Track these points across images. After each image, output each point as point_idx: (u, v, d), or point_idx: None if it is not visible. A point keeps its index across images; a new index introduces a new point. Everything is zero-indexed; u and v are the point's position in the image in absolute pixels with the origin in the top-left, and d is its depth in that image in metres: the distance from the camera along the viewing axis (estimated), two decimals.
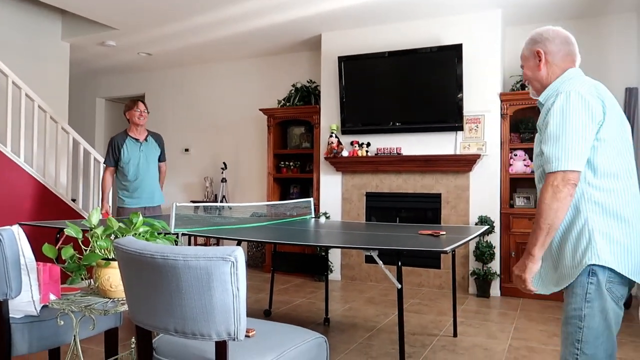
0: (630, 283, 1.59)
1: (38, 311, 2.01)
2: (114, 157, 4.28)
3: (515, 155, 4.86)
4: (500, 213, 4.81)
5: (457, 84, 4.86)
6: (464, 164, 4.87)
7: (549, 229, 1.56)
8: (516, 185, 5.05)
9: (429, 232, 3.03)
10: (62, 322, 1.93)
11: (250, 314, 1.85)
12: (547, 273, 1.72)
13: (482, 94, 4.90)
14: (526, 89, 1.87)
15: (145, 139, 4.41)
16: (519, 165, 4.84)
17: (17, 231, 1.99)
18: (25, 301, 1.99)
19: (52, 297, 2.01)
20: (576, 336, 1.57)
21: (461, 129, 4.92)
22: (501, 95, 4.84)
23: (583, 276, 1.57)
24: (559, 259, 1.65)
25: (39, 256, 2.01)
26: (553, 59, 1.72)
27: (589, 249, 1.55)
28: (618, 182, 1.58)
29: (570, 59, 1.73)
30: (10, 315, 1.96)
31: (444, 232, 2.99)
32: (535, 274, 1.63)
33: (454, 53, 4.86)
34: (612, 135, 1.57)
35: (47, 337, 2.04)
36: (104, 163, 4.48)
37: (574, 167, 1.52)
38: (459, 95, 4.86)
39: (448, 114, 4.94)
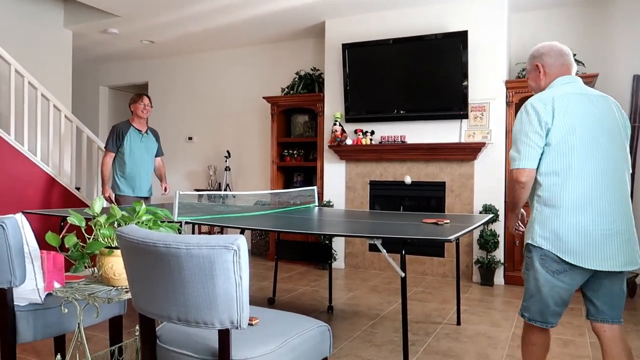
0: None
1: (42, 299, 2.02)
2: (116, 143, 4.46)
3: None
4: (505, 201, 4.79)
5: (462, 72, 4.81)
6: (468, 152, 4.84)
7: (513, 206, 2.10)
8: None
9: (433, 220, 3.01)
10: (67, 310, 1.93)
11: (254, 302, 1.85)
12: None
13: (487, 81, 4.85)
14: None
15: (146, 132, 4.61)
16: None
17: (21, 219, 1.99)
18: (30, 289, 2.00)
19: (56, 285, 2.01)
20: (524, 291, 2.08)
21: (466, 116, 4.88)
22: (507, 82, 4.79)
23: (525, 250, 2.05)
24: None
25: (43, 244, 2.01)
26: (550, 70, 2.07)
27: (529, 231, 2.01)
28: (557, 178, 1.91)
29: (565, 68, 2.07)
30: (15, 303, 1.97)
31: (448, 221, 2.98)
32: (513, 225, 2.21)
33: (459, 40, 4.80)
34: (557, 139, 1.89)
35: (52, 324, 2.05)
36: (105, 147, 4.60)
37: (524, 165, 1.93)
38: (464, 83, 4.82)
39: (453, 102, 4.89)
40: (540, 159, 1.93)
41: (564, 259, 1.89)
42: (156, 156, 4.72)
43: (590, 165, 1.89)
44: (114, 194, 4.51)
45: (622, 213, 1.91)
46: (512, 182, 1.99)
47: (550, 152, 1.91)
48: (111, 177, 4.59)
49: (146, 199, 4.61)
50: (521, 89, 4.73)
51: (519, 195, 2.00)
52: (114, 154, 4.49)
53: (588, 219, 1.87)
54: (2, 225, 1.89)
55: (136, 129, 4.52)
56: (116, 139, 4.45)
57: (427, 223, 2.96)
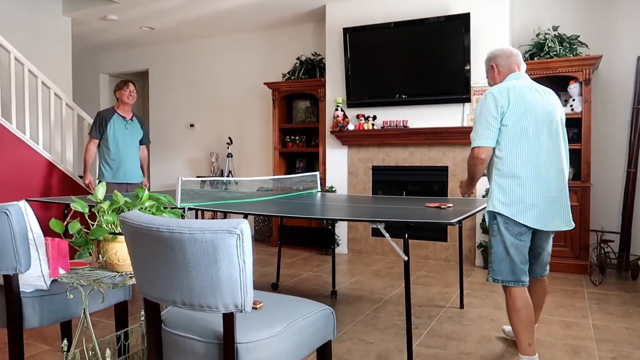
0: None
1: (48, 285, 2.03)
2: (100, 130, 4.49)
3: None
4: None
5: (465, 55, 4.77)
6: None
7: (471, 179, 2.53)
8: None
9: (436, 204, 3.01)
10: (72, 296, 1.95)
11: (258, 287, 1.86)
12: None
13: None
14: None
15: (131, 119, 4.62)
16: None
17: (24, 206, 2.00)
18: (35, 275, 2.01)
19: (61, 271, 2.03)
20: (490, 258, 2.42)
21: (468, 100, 4.85)
22: None
23: (490, 219, 2.39)
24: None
25: (47, 232, 2.02)
26: (503, 69, 2.51)
27: (491, 201, 2.36)
28: (513, 154, 2.30)
29: (515, 67, 2.50)
30: (21, 290, 1.99)
31: (451, 205, 2.97)
32: (468, 192, 2.67)
33: (461, 23, 4.75)
34: (512, 121, 2.29)
35: (58, 310, 2.07)
36: (89, 134, 4.63)
37: (483, 144, 2.32)
38: (466, 67, 4.78)
39: (455, 86, 4.86)
40: (498, 138, 2.31)
41: (522, 222, 2.28)
42: (141, 144, 4.72)
43: (540, 144, 2.31)
44: (96, 181, 4.54)
45: (563, 184, 2.38)
46: (472, 159, 2.38)
47: (507, 132, 2.30)
48: (97, 164, 4.64)
49: (137, 184, 4.59)
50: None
51: (478, 170, 2.42)
52: (97, 141, 4.53)
53: (541, 187, 2.29)
54: (6, 213, 1.89)
55: (120, 115, 4.53)
56: (99, 125, 4.48)
57: (430, 207, 2.96)
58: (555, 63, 4.54)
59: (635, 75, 4.66)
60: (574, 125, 4.52)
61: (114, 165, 4.51)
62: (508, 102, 2.29)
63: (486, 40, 4.79)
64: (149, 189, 4.60)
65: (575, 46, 4.62)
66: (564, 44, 4.61)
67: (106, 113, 4.54)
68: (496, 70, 2.52)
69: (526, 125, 2.29)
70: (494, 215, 2.35)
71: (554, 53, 4.58)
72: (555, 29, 4.69)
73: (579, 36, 4.68)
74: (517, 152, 2.29)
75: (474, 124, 2.38)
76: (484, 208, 2.57)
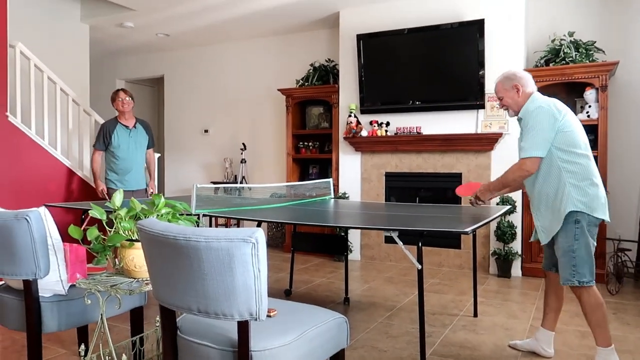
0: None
1: (66, 290, 2.07)
2: (104, 141, 4.60)
3: None
4: (523, 192, 4.73)
5: (479, 61, 4.75)
6: (485, 142, 4.80)
7: (503, 187, 2.69)
8: None
9: (468, 192, 2.96)
10: (89, 301, 1.98)
11: (271, 293, 1.87)
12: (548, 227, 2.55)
13: (504, 70, 4.76)
14: (507, 112, 2.77)
15: (134, 126, 4.69)
16: None
17: (44, 212, 2.04)
18: (54, 281, 2.04)
19: (79, 277, 2.06)
20: (571, 262, 2.43)
21: (482, 107, 4.83)
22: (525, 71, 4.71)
23: (571, 223, 2.42)
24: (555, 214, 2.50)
25: (65, 237, 2.06)
26: (526, 90, 2.64)
27: (570, 202, 2.42)
28: (583, 158, 2.46)
29: (531, 88, 2.66)
30: (40, 294, 2.02)
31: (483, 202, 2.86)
32: (485, 200, 2.81)
33: (475, 29, 4.74)
34: (572, 127, 2.46)
35: (75, 315, 2.10)
36: (93, 146, 4.75)
37: (535, 154, 2.46)
38: (480, 73, 4.76)
39: (469, 92, 4.84)
40: (563, 143, 2.44)
41: (602, 218, 2.43)
42: (147, 148, 4.81)
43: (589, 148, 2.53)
44: (106, 188, 4.64)
45: None
46: (520, 169, 2.51)
47: (572, 136, 2.44)
48: (103, 172, 4.74)
49: (140, 190, 4.71)
50: (539, 77, 4.64)
51: (520, 181, 2.60)
52: (102, 152, 4.65)
53: (600, 185, 2.47)
54: (26, 219, 1.93)
55: (123, 125, 4.63)
56: (103, 137, 4.60)
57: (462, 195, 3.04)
58: (571, 69, 4.50)
59: None
60: (590, 132, 4.44)
61: (120, 173, 4.63)
62: (561, 113, 2.46)
63: (501, 46, 4.78)
64: (155, 192, 4.75)
65: (591, 52, 4.58)
66: (580, 50, 4.57)
67: (109, 124, 4.65)
68: (521, 90, 2.63)
69: (580, 131, 2.50)
70: (576, 219, 2.41)
71: (570, 59, 4.54)
72: (571, 34, 4.65)
73: (595, 42, 4.63)
74: (585, 153, 2.46)
75: (527, 134, 2.48)
76: (499, 216, 2.60)
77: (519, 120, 2.65)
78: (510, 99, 2.67)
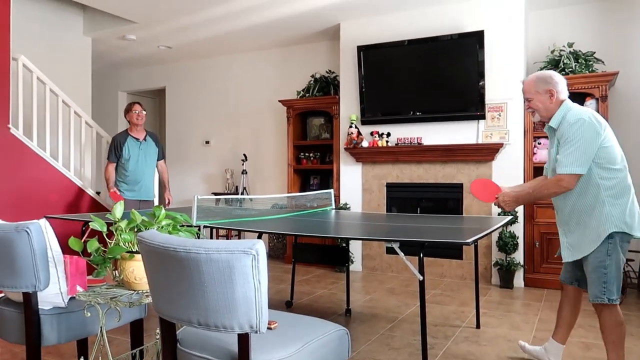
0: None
1: (66, 303, 2.06)
2: (116, 154, 4.70)
3: (539, 143, 4.76)
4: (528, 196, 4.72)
5: (479, 72, 4.77)
6: (486, 153, 4.80)
7: (534, 200, 2.74)
8: (540, 175, 4.95)
9: (489, 199, 2.70)
10: (89, 314, 1.97)
11: (272, 304, 1.86)
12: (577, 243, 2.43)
13: (504, 81, 4.80)
14: (532, 114, 2.59)
15: (145, 139, 4.79)
16: (543, 154, 4.74)
17: (44, 225, 2.03)
18: (54, 293, 2.03)
19: (79, 289, 2.05)
20: (602, 278, 2.32)
21: (483, 117, 4.84)
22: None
23: (604, 240, 2.31)
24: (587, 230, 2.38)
25: (66, 249, 2.05)
26: (560, 96, 2.46)
27: (609, 222, 2.30)
28: (621, 173, 2.35)
29: (565, 95, 2.47)
30: (40, 307, 2.01)
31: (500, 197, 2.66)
32: (512, 208, 2.67)
33: (475, 40, 4.77)
34: (611, 142, 2.36)
35: (75, 327, 2.09)
36: (107, 159, 4.83)
37: (577, 171, 2.31)
38: (480, 83, 4.78)
39: (469, 103, 4.86)
40: (604, 160, 2.32)
41: (633, 234, 2.33)
42: (158, 160, 4.90)
43: (625, 161, 2.40)
44: (118, 191, 4.71)
45: None
46: (558, 185, 2.36)
47: (611, 152, 2.34)
48: (117, 183, 4.81)
49: (150, 202, 4.81)
50: None
51: (553, 196, 2.47)
52: (114, 164, 4.74)
53: (636, 202, 2.38)
54: (27, 231, 1.93)
55: (134, 137, 4.72)
56: (115, 149, 4.70)
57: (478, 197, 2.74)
58: (571, 80, 4.51)
59: None
60: None
61: (130, 184, 4.72)
62: (602, 127, 2.33)
63: (500, 57, 4.80)
64: (172, 201, 4.81)
65: (591, 62, 4.60)
66: (579, 61, 4.58)
67: (120, 137, 4.74)
68: (555, 96, 2.45)
69: (616, 144, 2.39)
70: (611, 234, 2.31)
71: (570, 70, 4.56)
72: (570, 45, 4.67)
73: (594, 52, 4.65)
74: (622, 168, 2.37)
75: (567, 148, 2.32)
76: (501, 226, 2.55)
77: (550, 129, 2.50)
78: (540, 103, 2.48)
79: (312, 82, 6.06)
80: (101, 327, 1.96)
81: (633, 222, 2.33)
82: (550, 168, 2.51)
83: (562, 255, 2.51)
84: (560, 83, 2.47)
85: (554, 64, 4.70)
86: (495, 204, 2.70)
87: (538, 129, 4.81)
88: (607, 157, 2.32)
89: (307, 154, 6.10)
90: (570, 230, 2.45)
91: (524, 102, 2.58)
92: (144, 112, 4.78)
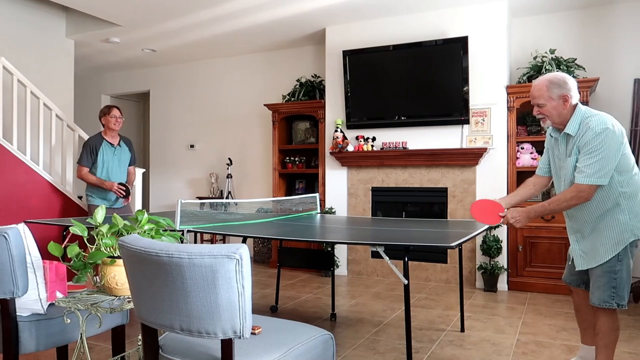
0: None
1: (45, 309, 2.02)
2: (90, 158, 4.50)
3: (522, 148, 4.81)
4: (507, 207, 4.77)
5: (463, 77, 4.82)
6: (470, 157, 4.84)
7: (548, 213, 2.41)
8: (523, 179, 4.97)
9: (491, 220, 2.52)
10: (69, 320, 1.93)
11: (257, 309, 1.85)
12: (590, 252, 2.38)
13: (488, 86, 4.85)
14: (544, 123, 2.44)
15: (119, 144, 4.63)
16: (526, 159, 4.80)
17: (23, 229, 1.99)
18: (32, 299, 1.99)
19: (59, 295, 2.01)
20: (612, 283, 2.28)
21: (467, 122, 4.88)
22: (508, 87, 4.79)
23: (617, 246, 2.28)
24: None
25: (45, 254, 2.01)
26: (573, 101, 2.36)
27: (627, 231, 2.28)
28: (632, 178, 2.31)
29: (577, 99, 2.38)
30: (17, 314, 1.97)
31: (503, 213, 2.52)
32: (523, 224, 2.46)
33: (459, 46, 4.82)
34: (628, 150, 2.32)
35: (54, 334, 2.04)
36: (78, 162, 4.61)
37: (601, 182, 2.24)
38: (464, 89, 4.82)
39: (454, 107, 4.90)
40: (619, 166, 2.27)
41: None
42: (130, 165, 4.73)
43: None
44: (87, 205, 4.51)
45: None
46: (579, 197, 2.26)
47: (626, 158, 2.29)
48: (84, 188, 4.66)
49: (122, 208, 4.61)
50: (522, 94, 4.73)
51: (572, 207, 2.34)
52: (87, 169, 4.51)
53: None
54: (4, 236, 1.89)
55: (109, 142, 4.55)
56: (89, 154, 4.49)
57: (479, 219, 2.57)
58: None
59: (632, 98, 4.70)
60: None
61: (101, 190, 4.52)
62: (623, 134, 2.30)
63: (484, 62, 4.85)
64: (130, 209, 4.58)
65: (572, 69, 4.68)
66: (561, 67, 4.66)
67: (95, 141, 4.53)
68: (569, 102, 2.34)
69: (629, 149, 2.36)
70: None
71: None
72: (552, 52, 4.74)
73: (575, 59, 4.73)
74: (637, 173, 2.34)
75: (592, 158, 2.22)
76: (484, 230, 2.53)
77: (566, 135, 2.38)
78: (553, 109, 2.35)
79: (297, 86, 6.06)
80: (81, 334, 1.92)
81: None
82: (566, 176, 2.38)
83: (575, 264, 2.43)
84: (574, 87, 2.36)
85: (536, 70, 4.76)
86: (502, 224, 2.51)
87: (521, 133, 4.87)
88: (625, 163, 2.27)
89: (292, 158, 6.09)
90: (585, 237, 2.38)
91: (534, 108, 2.40)
92: (122, 118, 4.60)
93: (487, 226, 3.17)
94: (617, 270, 2.27)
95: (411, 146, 5.13)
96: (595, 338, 2.37)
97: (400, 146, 5.15)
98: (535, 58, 4.83)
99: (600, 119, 2.28)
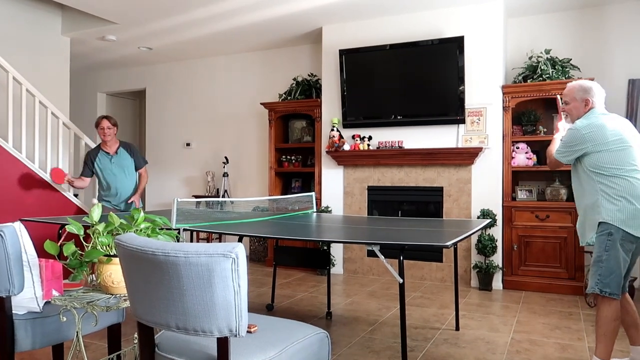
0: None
1: (41, 307, 2.02)
2: (90, 168, 4.72)
3: (517, 148, 4.84)
4: (503, 206, 4.80)
5: (459, 77, 4.83)
6: (465, 157, 4.86)
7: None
8: (518, 178, 5.04)
9: None
10: (65, 319, 1.93)
11: (253, 308, 1.86)
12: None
13: (484, 86, 4.87)
14: (565, 117, 2.85)
15: (117, 152, 4.71)
16: (521, 158, 4.82)
17: (19, 228, 1.99)
18: (28, 297, 1.99)
19: (55, 293, 2.01)
20: (598, 270, 2.51)
21: (463, 121, 4.90)
22: (503, 87, 4.81)
23: (605, 234, 2.51)
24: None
25: (41, 252, 2.01)
26: (592, 105, 2.68)
27: (609, 215, 2.50)
28: (626, 174, 2.53)
29: (599, 105, 2.69)
30: (13, 312, 1.97)
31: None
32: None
33: (455, 45, 4.83)
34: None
35: (50, 333, 2.05)
36: (81, 175, 4.81)
37: None
38: (460, 88, 4.84)
39: (450, 107, 4.92)
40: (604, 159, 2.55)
41: (634, 233, 2.46)
42: (137, 169, 4.83)
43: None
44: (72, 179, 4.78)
45: None
46: (549, 158, 2.84)
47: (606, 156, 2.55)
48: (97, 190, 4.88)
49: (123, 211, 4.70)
50: (517, 93, 4.75)
51: (551, 162, 2.84)
52: (88, 179, 4.76)
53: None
54: (0, 234, 1.89)
55: (105, 152, 4.68)
56: (85, 165, 4.73)
57: None
58: (548, 85, 4.60)
59: (627, 98, 4.73)
60: None
61: (108, 197, 4.70)
62: (602, 135, 2.60)
63: (480, 62, 4.87)
64: (137, 205, 4.69)
65: (567, 69, 4.70)
66: (556, 67, 4.68)
67: (92, 152, 4.74)
68: (590, 105, 2.68)
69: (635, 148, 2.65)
70: (609, 231, 2.50)
71: (547, 76, 4.65)
72: (547, 52, 4.77)
73: (570, 59, 4.76)
74: (632, 175, 2.56)
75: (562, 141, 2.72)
76: (480, 229, 2.61)
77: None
78: (575, 109, 2.73)
79: (294, 85, 6.06)
80: (77, 332, 1.93)
81: (628, 220, 2.47)
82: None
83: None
84: (598, 94, 2.69)
85: (531, 70, 4.79)
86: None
87: (516, 133, 4.89)
88: (608, 160, 2.53)
89: (288, 157, 6.09)
90: (579, 216, 2.73)
91: (562, 103, 2.82)
92: (112, 128, 4.62)
93: (481, 225, 3.20)
94: (603, 259, 2.50)
95: (407, 145, 5.15)
96: (595, 327, 2.55)
97: (396, 145, 5.16)
98: (530, 58, 4.85)
99: (582, 122, 2.62)
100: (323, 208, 5.50)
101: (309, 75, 6.10)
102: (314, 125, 5.84)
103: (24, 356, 2.85)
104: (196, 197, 6.74)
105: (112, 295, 1.89)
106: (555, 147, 2.83)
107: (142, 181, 4.89)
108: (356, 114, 5.38)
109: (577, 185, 2.71)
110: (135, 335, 1.80)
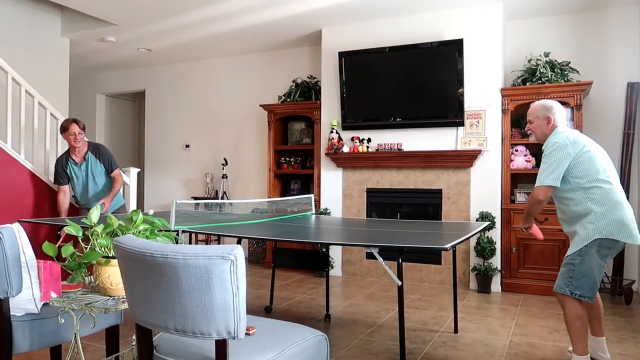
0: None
1: (39, 309, 2.02)
2: (62, 175, 4.47)
3: (517, 150, 4.84)
4: (501, 209, 4.80)
5: (458, 79, 4.84)
6: (464, 159, 4.86)
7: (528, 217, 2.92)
8: (517, 181, 5.04)
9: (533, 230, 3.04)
10: (63, 320, 1.93)
11: (251, 310, 1.86)
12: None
13: (483, 89, 4.88)
14: (529, 135, 3.01)
15: (85, 158, 4.41)
16: (520, 161, 4.83)
17: (17, 229, 1.99)
18: (26, 299, 1.99)
19: (53, 295, 2.01)
20: (569, 273, 2.62)
21: (462, 124, 4.90)
22: (502, 90, 4.82)
23: (582, 241, 2.59)
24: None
25: (40, 254, 2.01)
26: (555, 123, 2.81)
27: (587, 227, 2.60)
28: (607, 185, 2.63)
29: (560, 123, 2.82)
30: (11, 313, 1.96)
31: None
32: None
33: (454, 48, 4.84)
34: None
35: (48, 334, 2.04)
36: (55, 183, 4.60)
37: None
38: (459, 91, 4.85)
39: (449, 109, 4.92)
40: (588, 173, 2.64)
41: (619, 239, 2.54)
42: (110, 173, 4.50)
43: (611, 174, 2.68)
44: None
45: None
46: (532, 196, 2.74)
47: (584, 166, 2.64)
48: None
49: (119, 208, 4.59)
50: (517, 96, 4.76)
51: (534, 208, 2.81)
52: (65, 186, 4.52)
53: (628, 211, 2.60)
54: None
55: (73, 160, 4.42)
56: (60, 173, 4.48)
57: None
58: (547, 88, 4.61)
59: (625, 101, 4.74)
60: None
61: (81, 203, 4.57)
62: (580, 146, 2.71)
63: (479, 65, 4.88)
64: (106, 207, 4.41)
65: (566, 72, 4.71)
66: (555, 70, 4.69)
67: (61, 159, 4.47)
68: (551, 123, 2.81)
69: (601, 159, 2.77)
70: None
71: (546, 79, 4.66)
72: (546, 55, 4.78)
73: (569, 62, 4.77)
74: (609, 185, 2.67)
75: (542, 164, 2.72)
76: (478, 232, 2.64)
77: (543, 150, 2.80)
78: (538, 127, 2.85)
79: (293, 87, 6.06)
80: (75, 334, 1.93)
81: (613, 227, 2.54)
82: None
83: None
84: (559, 112, 2.81)
85: (530, 72, 4.80)
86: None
87: (515, 136, 4.90)
88: (583, 171, 2.62)
89: (287, 159, 6.09)
90: (566, 229, 2.82)
91: (527, 124, 2.92)
92: (82, 133, 4.29)
93: (480, 228, 3.22)
94: (576, 263, 2.59)
95: (406, 148, 5.15)
96: (566, 327, 2.66)
97: (395, 147, 5.16)
98: (529, 61, 4.86)
99: (554, 137, 2.71)
100: (322, 210, 5.50)
101: (308, 77, 6.11)
102: (313, 127, 5.84)
103: (22, 358, 2.84)
104: (195, 198, 6.73)
105: (111, 297, 1.89)
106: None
107: (116, 185, 4.51)
108: (355, 116, 5.38)
109: (563, 208, 2.74)
110: (134, 337, 1.79)
